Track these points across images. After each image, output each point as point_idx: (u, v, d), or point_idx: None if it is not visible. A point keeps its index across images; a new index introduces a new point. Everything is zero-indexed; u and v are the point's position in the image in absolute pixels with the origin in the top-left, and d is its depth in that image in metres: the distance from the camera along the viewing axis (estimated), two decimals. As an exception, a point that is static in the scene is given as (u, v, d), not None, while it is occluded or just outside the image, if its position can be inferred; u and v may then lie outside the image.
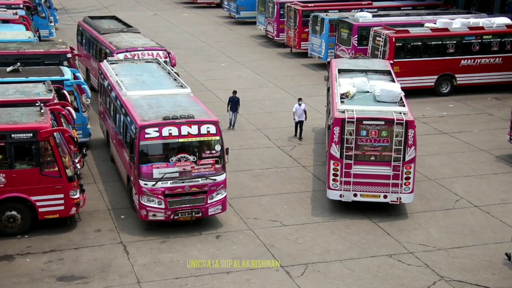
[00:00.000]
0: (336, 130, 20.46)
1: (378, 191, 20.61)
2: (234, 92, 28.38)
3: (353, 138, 20.39)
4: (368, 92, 22.50)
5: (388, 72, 25.50)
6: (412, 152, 20.30)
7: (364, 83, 23.08)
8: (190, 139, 19.26)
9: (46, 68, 25.76)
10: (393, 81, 24.23)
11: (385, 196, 20.63)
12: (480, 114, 31.19)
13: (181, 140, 19.20)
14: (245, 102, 32.64)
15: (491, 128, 29.13)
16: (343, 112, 20.69)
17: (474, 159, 25.62)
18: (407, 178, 20.43)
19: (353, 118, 20.34)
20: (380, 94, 21.94)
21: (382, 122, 20.34)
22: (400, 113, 20.65)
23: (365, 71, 25.14)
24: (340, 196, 20.85)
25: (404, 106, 21.40)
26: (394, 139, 20.23)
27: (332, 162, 20.67)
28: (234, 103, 28.27)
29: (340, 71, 24.76)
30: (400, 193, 20.52)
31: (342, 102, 21.63)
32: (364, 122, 20.38)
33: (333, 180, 20.71)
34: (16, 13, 37.18)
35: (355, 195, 20.75)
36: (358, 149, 20.48)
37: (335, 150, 20.55)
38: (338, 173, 20.61)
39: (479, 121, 30.16)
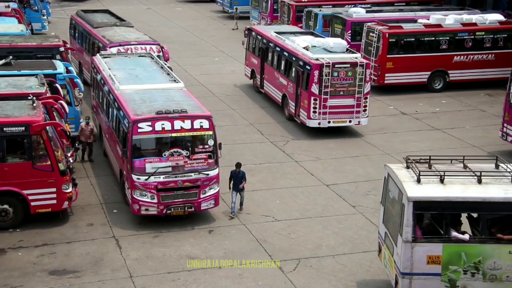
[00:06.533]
0: (316, 73, 26.24)
1: (345, 117, 26.87)
2: (238, 165, 20.44)
3: (328, 78, 26.22)
4: (315, 46, 28.36)
5: (310, 33, 32.38)
6: (368, 86, 27.13)
7: (312, 39, 29.58)
8: (183, 134, 19.24)
9: (38, 62, 25.68)
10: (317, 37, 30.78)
11: (350, 121, 27.03)
12: (473, 110, 31.26)
13: (174, 134, 19.18)
14: (238, 96, 32.66)
15: (484, 124, 29.21)
16: (317, 59, 26.54)
17: (466, 155, 25.57)
18: (365, 106, 26.99)
19: (329, 63, 26.27)
20: (333, 46, 27.95)
21: (349, 65, 26.53)
22: (357, 58, 27.08)
23: (293, 33, 31.98)
24: (318, 123, 26.78)
25: (355, 53, 27.87)
26: (357, 77, 26.45)
27: (312, 98, 26.42)
28: (238, 180, 20.43)
29: (278, 33, 31.29)
30: (361, 118, 26.96)
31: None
32: (336, 65, 26.41)
33: (313, 112, 26.55)
34: (8, 6, 37.08)
35: (329, 122, 26.80)
36: (331, 87, 26.32)
37: (315, 89, 26.38)
38: (317, 106, 26.37)
39: (471, 117, 30.23)
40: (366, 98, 26.95)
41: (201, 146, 19.52)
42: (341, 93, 26.59)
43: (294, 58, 28.17)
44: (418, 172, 14.86)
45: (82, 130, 23.82)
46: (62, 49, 27.77)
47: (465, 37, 33.49)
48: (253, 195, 21.88)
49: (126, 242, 18.76)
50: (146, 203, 19.15)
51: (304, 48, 28.00)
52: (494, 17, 34.61)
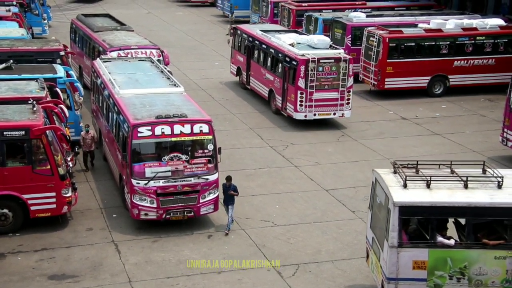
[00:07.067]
0: (302, 68, 27.53)
1: (329, 110, 28.26)
2: (228, 178, 19.61)
3: (314, 73, 27.49)
4: (300, 43, 29.76)
5: (294, 31, 33.84)
6: (351, 80, 28.26)
7: (297, 36, 31.01)
8: (182, 138, 19.24)
9: (39, 66, 25.72)
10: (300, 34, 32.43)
11: (334, 113, 28.46)
12: (473, 115, 31.26)
13: (173, 139, 19.18)
14: (238, 101, 32.67)
15: (484, 129, 29.20)
16: (303, 55, 27.85)
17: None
18: (348, 99, 28.34)
19: (315, 58, 27.59)
20: (317, 42, 29.32)
21: (333, 60, 27.90)
22: (340, 53, 28.53)
23: (278, 31, 33.41)
24: (305, 116, 28.15)
25: (338, 49, 29.49)
26: (340, 71, 27.81)
27: (299, 92, 27.73)
28: (228, 194, 19.58)
29: (263, 31, 32.71)
30: (344, 110, 28.37)
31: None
32: (321, 61, 27.76)
33: (300, 105, 27.90)
34: (9, 10, 37.12)
35: (314, 114, 28.13)
36: (316, 81, 27.64)
37: (301, 83, 27.68)
38: (304, 99, 27.70)
39: (471, 122, 30.23)
40: (349, 91, 28.29)
41: (200, 151, 19.52)
42: (326, 87, 27.99)
43: (280, 55, 29.47)
44: (404, 177, 14.88)
45: (83, 139, 23.51)
46: (62, 53, 27.78)
47: (465, 42, 33.49)
48: (253, 200, 21.88)
49: (125, 247, 18.75)
50: (146, 207, 19.14)
51: (290, 45, 29.40)
52: (494, 22, 34.60)
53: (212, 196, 19.60)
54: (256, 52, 32.44)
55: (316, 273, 17.62)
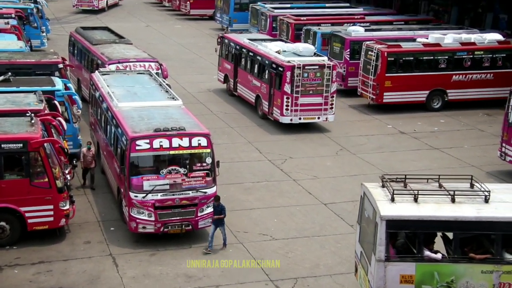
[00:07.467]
0: (288, 74, 28.77)
1: (314, 114, 29.56)
2: (217, 198, 19.11)
3: (299, 79, 28.72)
4: (286, 51, 31.06)
5: (280, 40, 35.68)
6: (334, 86, 29.67)
7: (282, 44, 32.50)
8: (181, 152, 19.21)
9: (37, 78, 25.70)
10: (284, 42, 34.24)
11: (318, 118, 29.74)
12: (471, 130, 31.27)
13: (172, 152, 19.14)
14: (237, 114, 32.65)
15: (482, 144, 29.20)
16: (289, 62, 29.12)
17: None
18: (332, 104, 29.61)
19: (300, 64, 28.82)
20: (302, 50, 30.71)
21: (317, 67, 29.17)
22: (324, 60, 29.86)
23: (264, 39, 34.89)
24: (290, 120, 29.41)
25: (322, 56, 30.88)
26: (324, 77, 29.04)
27: (285, 96, 28.96)
28: (217, 214, 19.08)
29: (250, 40, 34.07)
30: (328, 114, 29.65)
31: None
32: (306, 67, 29.02)
33: (285, 109, 29.15)
34: (7, 23, 37.10)
35: (300, 118, 29.43)
36: (302, 86, 28.78)
37: (287, 88, 28.87)
38: (289, 103, 28.97)
39: (470, 137, 30.23)
40: (332, 96, 29.61)
41: (199, 164, 19.48)
42: (311, 92, 29.27)
43: (267, 62, 30.77)
44: (392, 191, 14.85)
45: (84, 156, 23.14)
46: (61, 66, 27.76)
47: (463, 57, 33.56)
48: (251, 213, 21.82)
49: (123, 260, 18.67)
50: (144, 221, 19.07)
51: (276, 52, 30.79)
52: (493, 37, 34.71)
53: (210, 210, 19.51)
54: (243, 59, 33.69)
55: (314, 287, 17.54)
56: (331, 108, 29.68)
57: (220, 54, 36.91)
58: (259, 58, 31.72)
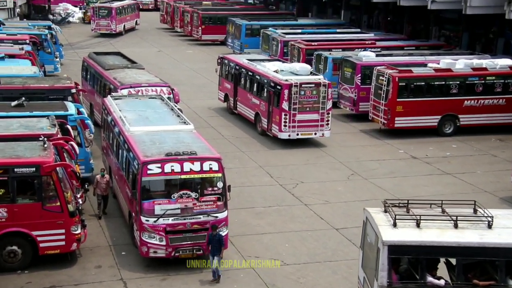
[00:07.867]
0: (286, 92, 30.20)
1: (311, 130, 30.96)
2: (214, 228, 18.74)
3: (296, 96, 30.16)
4: (283, 70, 32.39)
5: (277, 60, 37.30)
6: (330, 103, 31.12)
7: (280, 64, 33.89)
8: (192, 176, 19.22)
9: (50, 103, 25.85)
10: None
11: (315, 134, 31.14)
12: (484, 155, 31.15)
13: (183, 176, 19.16)
14: (247, 138, 32.70)
15: (495, 169, 29.06)
16: (287, 80, 30.62)
17: (478, 200, 25.37)
18: (328, 120, 31.04)
19: (297, 83, 30.37)
20: (299, 69, 32.31)
21: (313, 85, 30.66)
22: (320, 79, 31.29)
23: (262, 60, 36.34)
24: (288, 135, 30.82)
25: (318, 75, 32.71)
26: (320, 95, 30.46)
27: (283, 113, 30.37)
28: (214, 243, 18.63)
29: (249, 60, 35.48)
30: (324, 130, 31.06)
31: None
32: (303, 85, 30.53)
33: (284, 125, 30.54)
34: (22, 48, 37.43)
35: (297, 134, 30.83)
36: (299, 104, 30.13)
37: (285, 105, 30.29)
38: (287, 120, 30.32)
39: (482, 162, 30.11)
40: (328, 113, 31.03)
41: (210, 188, 19.48)
42: (307, 109, 30.69)
43: (266, 81, 32.22)
44: (394, 216, 14.77)
45: (97, 183, 22.98)
46: (73, 90, 27.94)
47: (475, 82, 33.52)
48: (262, 238, 21.76)
49: (134, 285, 18.63)
50: (155, 245, 19.05)
51: (274, 71, 32.20)
52: (504, 62, 34.65)
53: (221, 234, 19.47)
54: (242, 79, 35.13)
55: (326, 313, 17.44)
56: (327, 124, 31.08)
57: (220, 74, 38.28)
58: (258, 77, 33.18)
